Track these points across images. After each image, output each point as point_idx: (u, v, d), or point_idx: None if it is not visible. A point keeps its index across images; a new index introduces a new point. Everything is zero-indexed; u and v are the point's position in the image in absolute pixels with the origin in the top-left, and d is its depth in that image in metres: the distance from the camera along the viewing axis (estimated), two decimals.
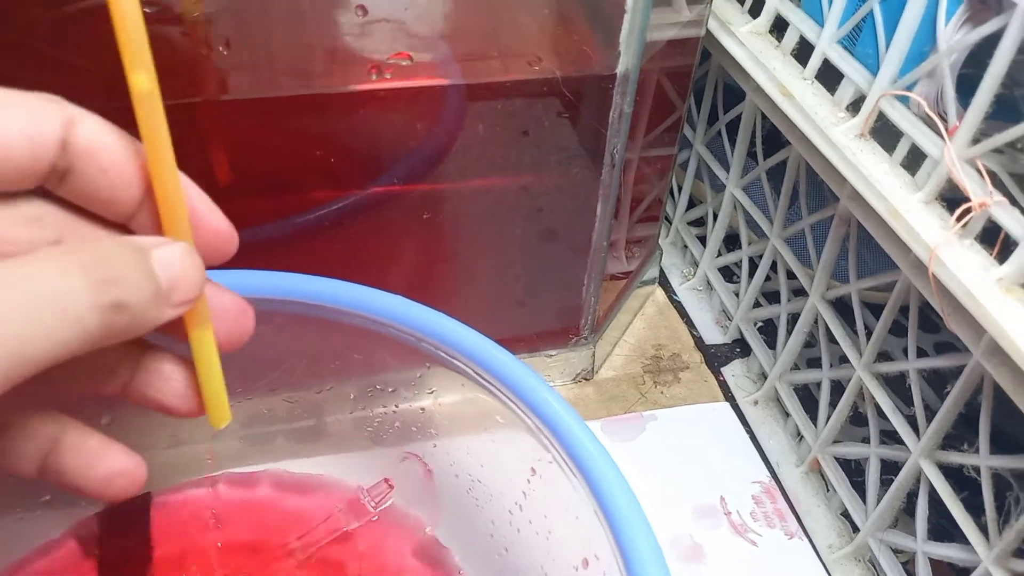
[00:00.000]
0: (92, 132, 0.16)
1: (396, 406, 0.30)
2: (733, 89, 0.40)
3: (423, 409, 0.30)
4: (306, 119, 0.28)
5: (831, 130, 0.31)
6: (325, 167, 0.30)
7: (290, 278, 0.28)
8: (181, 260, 0.17)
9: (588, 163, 0.32)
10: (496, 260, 0.35)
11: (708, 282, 0.45)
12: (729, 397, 0.39)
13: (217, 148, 0.32)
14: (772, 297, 0.40)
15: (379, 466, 0.31)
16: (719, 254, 0.45)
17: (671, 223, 0.49)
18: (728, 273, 0.45)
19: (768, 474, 0.36)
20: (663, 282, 0.46)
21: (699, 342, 0.42)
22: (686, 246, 0.48)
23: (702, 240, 0.46)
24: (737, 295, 0.43)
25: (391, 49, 0.27)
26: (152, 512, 0.31)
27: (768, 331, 0.41)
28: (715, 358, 0.42)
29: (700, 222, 0.48)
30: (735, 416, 0.38)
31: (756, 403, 0.40)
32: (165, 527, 0.31)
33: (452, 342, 0.27)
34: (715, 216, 0.44)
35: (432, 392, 0.29)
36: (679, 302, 0.45)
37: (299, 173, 0.31)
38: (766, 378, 0.39)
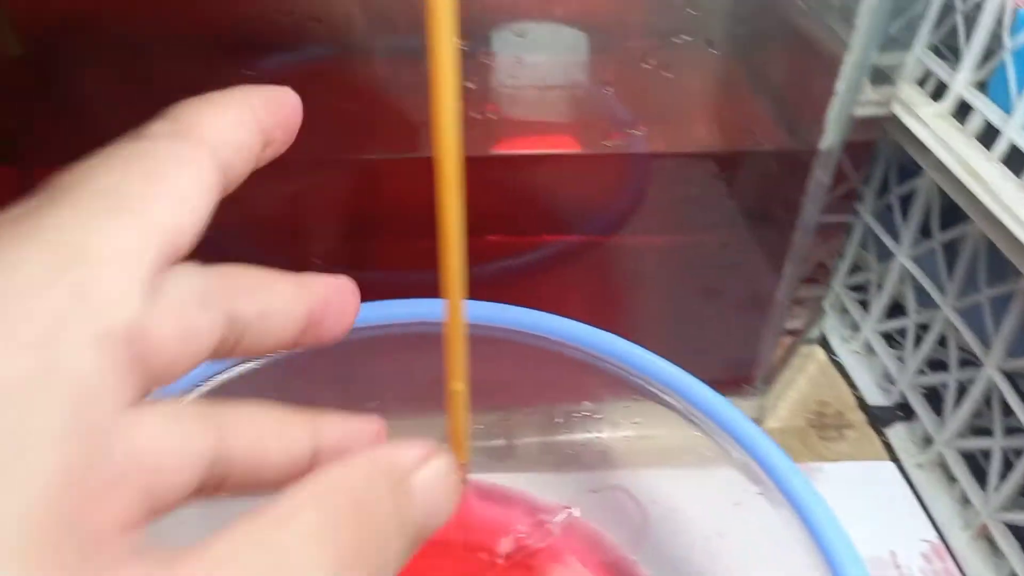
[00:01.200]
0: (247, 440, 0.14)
1: (600, 432, 0.33)
2: (905, 164, 0.42)
3: (627, 438, 0.33)
4: (545, 173, 0.33)
5: (1019, 208, 0.33)
6: (549, 215, 0.35)
7: (518, 311, 0.33)
8: (443, 481, 0.15)
9: (782, 227, 0.35)
10: (685, 308, 0.38)
11: (869, 346, 0.47)
12: (894, 457, 0.41)
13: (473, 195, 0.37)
14: (935, 363, 0.41)
15: (578, 487, 0.34)
16: (882, 319, 0.46)
17: (831, 287, 0.51)
18: (888, 338, 0.47)
19: (936, 534, 0.38)
20: (823, 343, 0.48)
21: (861, 402, 0.44)
22: (845, 309, 0.50)
23: (863, 304, 0.48)
24: (900, 359, 0.44)
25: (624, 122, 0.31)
26: None
27: (932, 396, 0.42)
28: (878, 419, 0.43)
29: (859, 287, 0.50)
30: (900, 476, 0.40)
31: (921, 466, 0.41)
32: None
33: (662, 378, 0.31)
34: (879, 284, 0.46)
35: (637, 423, 0.32)
36: (839, 363, 0.47)
37: (524, 220, 0.35)
38: (931, 442, 0.41)
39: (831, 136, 0.32)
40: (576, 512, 0.34)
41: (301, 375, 0.33)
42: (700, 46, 0.31)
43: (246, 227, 0.36)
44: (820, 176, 0.33)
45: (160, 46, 0.31)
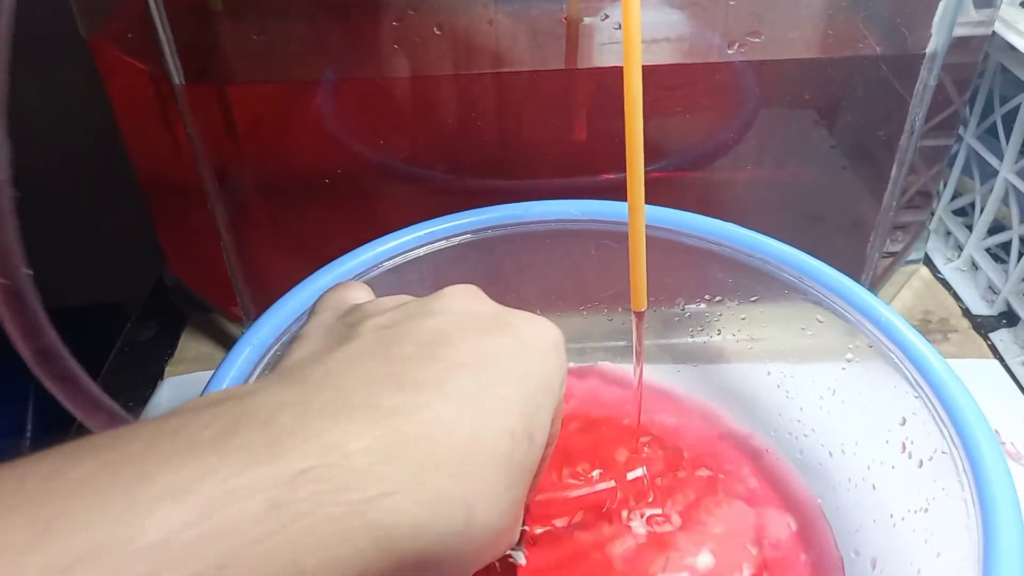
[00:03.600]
0: None
1: (721, 314, 0.37)
2: (1007, 85, 0.44)
3: (744, 318, 0.37)
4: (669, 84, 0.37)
5: None
6: (674, 128, 0.39)
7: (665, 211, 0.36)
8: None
9: (890, 131, 0.38)
10: (798, 201, 0.42)
11: (973, 263, 0.49)
12: (998, 357, 0.43)
13: (579, 111, 0.41)
14: None
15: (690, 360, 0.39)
16: (985, 237, 0.49)
17: (933, 213, 0.53)
18: (991, 255, 0.49)
19: None
20: (927, 263, 0.51)
21: (966, 312, 0.46)
22: (949, 232, 0.52)
23: (967, 227, 0.50)
24: (1004, 272, 0.46)
25: (748, 28, 0.35)
26: None
27: None
28: (982, 326, 0.45)
29: (962, 212, 0.52)
30: (1005, 372, 0.42)
31: None
32: None
33: (778, 257, 0.34)
34: (982, 206, 0.48)
35: (754, 299, 0.36)
36: (944, 279, 0.49)
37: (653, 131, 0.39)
38: None
39: (937, 40, 0.35)
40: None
41: (455, 265, 0.38)
42: None
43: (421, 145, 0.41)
44: (927, 78, 0.36)
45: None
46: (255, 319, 0.31)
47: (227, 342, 0.45)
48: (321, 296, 0.25)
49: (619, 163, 0.42)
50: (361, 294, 0.25)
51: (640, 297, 0.30)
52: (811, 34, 0.36)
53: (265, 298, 0.32)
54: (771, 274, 0.34)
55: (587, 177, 0.41)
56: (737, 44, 0.35)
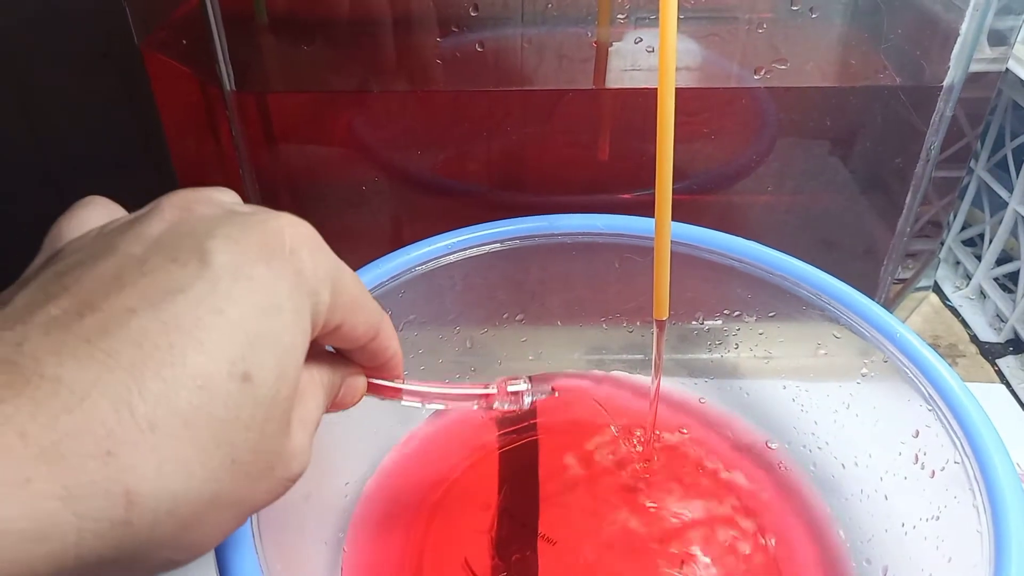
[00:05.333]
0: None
1: (739, 329, 0.39)
2: (1020, 120, 0.46)
3: (761, 334, 0.38)
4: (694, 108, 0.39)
5: None
6: (698, 148, 0.40)
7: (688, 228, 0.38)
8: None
9: (906, 160, 0.40)
10: (813, 226, 0.43)
11: (982, 291, 0.51)
12: (1005, 382, 0.45)
13: (604, 131, 0.43)
14: None
15: (705, 374, 0.40)
16: (993, 267, 0.50)
17: (943, 243, 0.55)
18: (999, 285, 0.50)
19: None
20: (936, 290, 0.52)
21: (974, 338, 0.48)
22: (958, 262, 0.53)
23: (976, 257, 0.52)
24: (1012, 300, 0.48)
25: (773, 56, 0.37)
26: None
27: None
28: (990, 352, 0.47)
29: (971, 242, 0.53)
30: (1012, 397, 0.43)
31: None
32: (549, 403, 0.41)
33: (797, 275, 0.36)
34: (991, 236, 0.50)
35: (772, 315, 0.37)
36: (953, 307, 0.51)
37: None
38: None
39: (954, 73, 0.37)
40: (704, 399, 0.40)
41: (484, 272, 0.39)
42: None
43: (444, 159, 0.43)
44: (943, 109, 0.38)
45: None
46: None
47: None
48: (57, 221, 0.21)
49: (639, 182, 0.44)
50: (95, 217, 0.21)
51: (663, 307, 0.32)
52: (832, 64, 0.38)
53: None
54: (789, 291, 0.36)
55: (608, 195, 0.43)
56: (763, 71, 0.37)
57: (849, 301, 0.34)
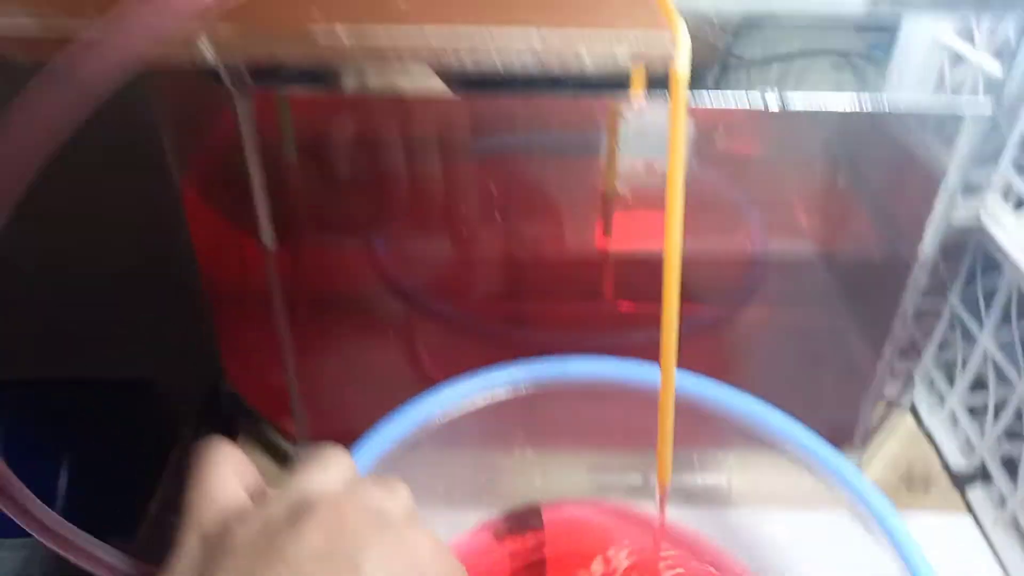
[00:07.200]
0: None
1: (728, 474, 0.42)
2: (989, 261, 0.50)
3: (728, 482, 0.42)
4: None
5: None
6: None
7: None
8: None
9: (884, 315, 0.43)
10: (794, 377, 0.47)
11: (954, 416, 0.54)
12: (973, 514, 0.48)
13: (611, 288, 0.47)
14: (1012, 434, 0.48)
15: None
16: (965, 394, 0.54)
17: (921, 360, 0.58)
18: (970, 410, 0.54)
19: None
20: (912, 410, 0.56)
21: (945, 466, 0.51)
22: (933, 382, 0.57)
23: (949, 379, 0.55)
24: (981, 429, 0.51)
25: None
26: (544, 518, 0.45)
27: (1008, 463, 0.49)
28: (961, 481, 0.50)
29: (946, 364, 0.57)
30: (978, 530, 0.47)
31: (995, 523, 0.48)
32: (553, 530, 0.44)
33: (770, 427, 0.39)
34: (963, 362, 0.53)
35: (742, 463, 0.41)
36: (927, 431, 0.54)
37: None
38: (1005, 503, 0.48)
39: (930, 241, 0.41)
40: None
41: (497, 417, 0.42)
42: (826, 166, 0.40)
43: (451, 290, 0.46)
44: (919, 277, 0.42)
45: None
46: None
47: (278, 455, 0.49)
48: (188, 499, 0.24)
49: (641, 325, 0.48)
50: (232, 481, 0.24)
51: (665, 472, 0.35)
52: (820, 236, 0.42)
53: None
54: (779, 447, 0.39)
55: (614, 336, 0.46)
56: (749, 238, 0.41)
57: (827, 460, 0.38)
